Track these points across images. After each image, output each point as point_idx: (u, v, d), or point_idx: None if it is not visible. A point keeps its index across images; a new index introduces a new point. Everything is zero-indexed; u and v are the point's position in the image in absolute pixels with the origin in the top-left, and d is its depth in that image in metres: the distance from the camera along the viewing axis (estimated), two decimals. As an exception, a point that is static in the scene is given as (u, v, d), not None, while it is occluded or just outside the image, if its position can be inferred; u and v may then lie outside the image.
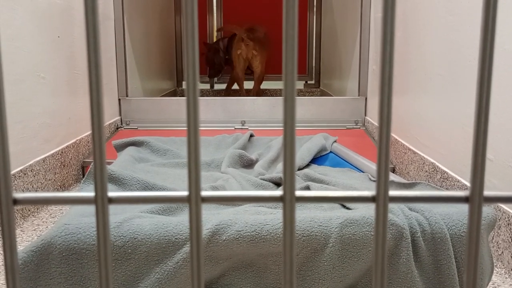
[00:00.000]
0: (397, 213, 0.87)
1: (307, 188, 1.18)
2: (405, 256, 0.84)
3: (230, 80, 3.42)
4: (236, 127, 2.25)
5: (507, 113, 1.11)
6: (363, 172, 1.40)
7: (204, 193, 0.24)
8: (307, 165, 1.46)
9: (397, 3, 1.81)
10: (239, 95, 3.12)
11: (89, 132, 1.95)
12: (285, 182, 0.24)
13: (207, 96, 3.64)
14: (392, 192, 0.24)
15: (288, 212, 0.24)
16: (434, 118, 1.52)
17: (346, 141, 1.88)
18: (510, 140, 1.10)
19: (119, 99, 2.29)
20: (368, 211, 0.89)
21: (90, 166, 1.40)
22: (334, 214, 0.87)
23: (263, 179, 1.24)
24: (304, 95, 3.74)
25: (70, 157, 1.75)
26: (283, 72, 0.24)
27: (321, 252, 0.84)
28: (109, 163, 1.30)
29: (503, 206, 1.13)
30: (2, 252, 0.92)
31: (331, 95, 3.15)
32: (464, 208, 0.92)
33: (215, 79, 3.47)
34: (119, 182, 1.12)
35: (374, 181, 1.28)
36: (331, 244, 0.83)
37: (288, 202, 0.24)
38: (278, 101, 2.29)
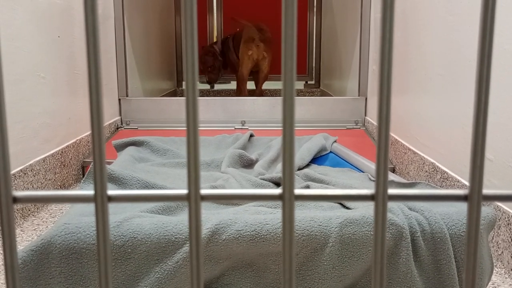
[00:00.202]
0: (397, 213, 0.87)
1: (307, 188, 1.18)
2: (405, 255, 0.84)
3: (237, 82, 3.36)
4: (236, 127, 2.25)
5: (507, 113, 1.11)
6: (363, 172, 1.40)
7: (203, 191, 0.24)
8: (307, 165, 1.46)
9: (396, 3, 1.81)
10: (236, 96, 3.10)
11: (89, 132, 1.95)
12: (284, 180, 0.24)
13: (207, 96, 3.64)
14: (391, 191, 0.24)
15: (288, 210, 0.24)
16: (434, 118, 1.52)
17: (346, 141, 1.88)
18: (510, 140, 1.10)
19: (119, 99, 2.29)
20: (368, 210, 0.89)
21: (90, 166, 1.41)
22: (334, 213, 0.87)
23: (263, 179, 1.24)
24: (304, 95, 3.74)
25: (70, 157, 1.75)
26: (282, 72, 0.24)
27: (320, 251, 0.84)
28: (109, 163, 1.30)
29: (503, 206, 1.13)
30: (2, 251, 0.92)
31: (331, 95, 3.15)
32: (464, 207, 0.92)
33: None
34: (119, 181, 1.12)
35: (374, 181, 1.28)
36: (330, 244, 0.83)
37: (287, 200, 0.24)
38: (278, 101, 2.29)
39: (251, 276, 0.86)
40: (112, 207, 0.95)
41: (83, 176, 1.76)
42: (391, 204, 0.90)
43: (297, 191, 0.24)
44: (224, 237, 0.82)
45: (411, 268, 0.84)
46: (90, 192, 0.24)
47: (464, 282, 0.26)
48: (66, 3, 1.74)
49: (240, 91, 3.09)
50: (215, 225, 0.83)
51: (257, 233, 0.82)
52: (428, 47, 1.55)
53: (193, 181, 0.24)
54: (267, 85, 3.67)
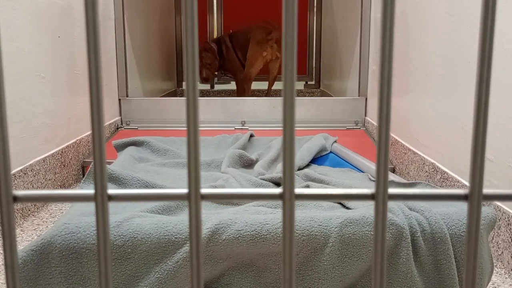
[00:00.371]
0: (397, 213, 0.87)
1: (307, 187, 1.18)
2: (405, 255, 0.84)
3: (240, 82, 3.21)
4: (236, 127, 2.25)
5: (507, 113, 1.11)
6: (363, 172, 1.40)
7: (203, 191, 0.25)
8: (307, 165, 1.46)
9: (396, 3, 1.81)
10: (239, 96, 3.08)
11: (89, 132, 1.95)
12: (284, 179, 0.24)
13: (207, 96, 3.64)
14: (391, 190, 0.24)
15: (288, 210, 0.24)
16: (434, 118, 1.52)
17: (346, 141, 1.88)
18: (510, 140, 1.10)
19: (119, 99, 2.29)
20: (368, 210, 0.89)
21: (90, 166, 1.41)
22: (334, 213, 0.87)
23: (263, 179, 1.24)
24: (305, 96, 3.74)
25: (70, 157, 1.75)
26: (282, 72, 0.24)
27: (321, 251, 0.84)
28: (109, 163, 1.30)
29: (503, 206, 1.13)
30: (2, 251, 0.92)
31: (331, 96, 3.15)
32: (464, 207, 0.92)
33: (215, 79, 3.44)
34: (119, 181, 1.12)
35: (374, 181, 1.28)
36: (331, 244, 0.83)
37: (288, 199, 0.24)
38: (278, 101, 2.29)
39: (251, 276, 0.86)
40: (112, 207, 0.95)
41: (83, 176, 1.76)
42: (391, 204, 0.90)
43: (297, 191, 0.24)
44: (224, 237, 0.82)
45: (411, 268, 0.84)
46: (90, 191, 0.25)
47: (464, 282, 0.26)
48: (66, 3, 1.74)
49: (243, 91, 3.06)
50: (215, 225, 0.83)
51: (257, 233, 0.82)
52: (428, 47, 1.55)
53: (193, 180, 0.24)
54: (266, 85, 3.67)
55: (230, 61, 3.18)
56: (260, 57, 2.91)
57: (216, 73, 3.25)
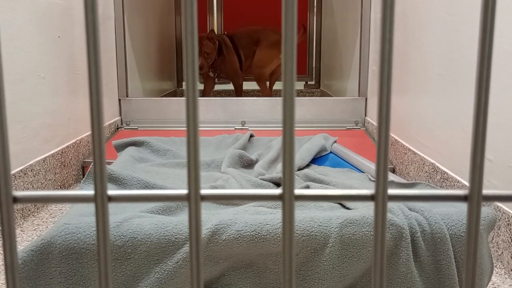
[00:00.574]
0: (397, 213, 0.87)
1: (307, 188, 1.18)
2: (405, 256, 0.84)
3: (238, 83, 3.19)
4: (236, 127, 2.25)
5: (507, 113, 1.11)
6: (363, 172, 1.40)
7: (203, 191, 0.25)
8: (307, 166, 1.46)
9: (396, 3, 1.81)
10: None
11: (89, 132, 1.95)
12: (284, 180, 0.24)
13: (207, 95, 3.64)
14: (391, 191, 0.24)
15: (288, 210, 0.24)
16: (434, 119, 1.52)
17: (346, 141, 1.88)
18: (510, 141, 1.10)
19: (119, 99, 2.29)
20: (368, 211, 0.89)
21: (90, 166, 1.41)
22: (334, 214, 0.87)
23: (263, 179, 1.24)
24: (305, 96, 3.74)
25: (70, 157, 1.75)
26: (282, 72, 0.24)
27: (320, 252, 0.84)
28: (109, 163, 1.30)
29: (503, 206, 1.13)
30: (2, 251, 0.92)
31: (331, 96, 3.15)
32: (464, 208, 0.92)
33: (216, 80, 3.41)
34: (119, 182, 1.12)
35: (374, 181, 1.28)
36: (330, 244, 0.83)
37: (287, 200, 0.24)
38: (278, 101, 2.29)
39: (251, 277, 0.86)
40: (112, 207, 0.95)
41: (83, 176, 1.76)
42: (391, 205, 0.90)
43: (297, 191, 0.24)
44: (224, 237, 0.82)
45: (411, 269, 0.84)
46: (90, 192, 0.25)
47: (464, 283, 0.26)
48: (66, 3, 1.74)
49: (241, 91, 3.11)
50: (215, 225, 0.83)
51: (257, 233, 0.82)
52: (428, 47, 1.55)
53: (193, 181, 0.24)
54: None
55: (230, 61, 3.16)
56: (276, 59, 3.00)
57: (210, 69, 3.20)
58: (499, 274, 1.09)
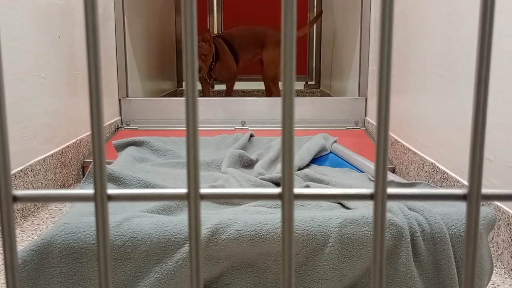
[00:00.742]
0: (397, 213, 0.88)
1: (307, 187, 1.18)
2: (405, 256, 0.84)
3: (233, 84, 3.18)
4: (236, 127, 2.25)
5: (507, 113, 1.11)
6: (363, 172, 1.40)
7: (203, 191, 0.25)
8: (307, 165, 1.46)
9: (396, 3, 1.81)
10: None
11: (89, 132, 1.95)
12: (283, 179, 0.24)
13: (209, 96, 3.64)
14: (391, 190, 0.25)
15: (287, 210, 0.24)
16: (434, 118, 1.52)
17: (346, 141, 1.88)
18: (510, 140, 1.10)
19: (120, 99, 2.29)
20: (367, 211, 0.89)
21: (90, 166, 1.41)
22: (333, 213, 0.87)
23: (263, 179, 1.24)
24: (305, 96, 3.74)
25: (70, 157, 1.75)
26: (282, 72, 0.24)
27: (320, 251, 0.84)
28: (109, 163, 1.30)
29: (503, 206, 1.13)
30: (2, 251, 0.92)
31: (331, 96, 3.15)
32: (464, 208, 0.92)
33: (215, 82, 3.38)
34: (119, 181, 1.12)
35: (373, 181, 1.28)
36: (330, 244, 0.83)
37: (287, 199, 0.24)
38: (278, 101, 2.29)
39: (251, 276, 0.86)
40: (112, 207, 0.95)
41: (83, 176, 1.76)
42: (390, 204, 0.90)
43: (297, 191, 0.24)
44: (224, 237, 0.82)
45: (411, 268, 0.84)
46: (90, 191, 0.25)
47: (463, 282, 0.26)
48: (67, 3, 1.74)
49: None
50: (215, 225, 0.83)
51: (257, 233, 0.82)
52: (428, 47, 1.55)
53: (193, 180, 0.24)
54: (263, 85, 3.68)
55: (227, 65, 3.06)
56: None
57: (210, 70, 3.13)
58: (499, 274, 1.09)
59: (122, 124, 2.29)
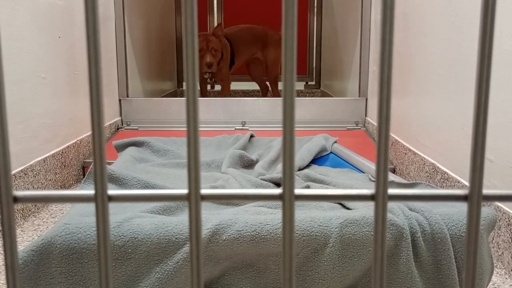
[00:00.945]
0: (397, 213, 0.87)
1: (307, 188, 1.18)
2: (405, 256, 0.84)
3: (229, 84, 3.11)
4: (236, 127, 2.25)
5: (507, 113, 1.11)
6: (363, 172, 1.40)
7: (203, 191, 0.25)
8: (308, 166, 1.46)
9: (397, 4, 1.81)
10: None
11: (89, 133, 1.95)
12: (284, 180, 0.24)
13: (207, 96, 3.64)
14: (391, 190, 0.24)
15: (288, 210, 0.24)
16: (434, 119, 1.52)
17: (347, 141, 1.88)
18: (510, 141, 1.10)
19: (120, 100, 2.29)
20: (368, 211, 0.89)
21: (91, 166, 1.41)
22: (334, 214, 0.87)
23: (263, 180, 1.24)
24: (305, 96, 3.74)
25: (70, 157, 1.75)
26: (282, 72, 0.24)
27: (321, 252, 0.84)
28: (110, 164, 1.30)
29: (503, 206, 1.13)
30: (2, 251, 0.92)
31: (332, 96, 3.15)
32: (464, 208, 0.92)
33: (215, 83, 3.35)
34: (120, 182, 1.12)
35: (374, 181, 1.28)
36: (331, 244, 0.83)
37: (288, 200, 0.24)
38: (278, 102, 2.29)
39: (251, 277, 0.86)
40: (112, 207, 0.95)
41: (84, 177, 1.76)
42: (391, 205, 0.90)
43: (297, 191, 0.24)
44: (224, 238, 0.82)
45: (412, 269, 0.84)
46: (91, 191, 0.25)
47: (464, 283, 0.26)
48: (67, 4, 1.74)
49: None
50: (216, 225, 0.83)
51: (257, 233, 0.82)
52: (429, 47, 1.55)
53: (193, 180, 0.24)
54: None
55: (226, 66, 3.00)
56: None
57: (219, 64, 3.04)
58: (500, 274, 1.09)
59: (122, 125, 2.29)
